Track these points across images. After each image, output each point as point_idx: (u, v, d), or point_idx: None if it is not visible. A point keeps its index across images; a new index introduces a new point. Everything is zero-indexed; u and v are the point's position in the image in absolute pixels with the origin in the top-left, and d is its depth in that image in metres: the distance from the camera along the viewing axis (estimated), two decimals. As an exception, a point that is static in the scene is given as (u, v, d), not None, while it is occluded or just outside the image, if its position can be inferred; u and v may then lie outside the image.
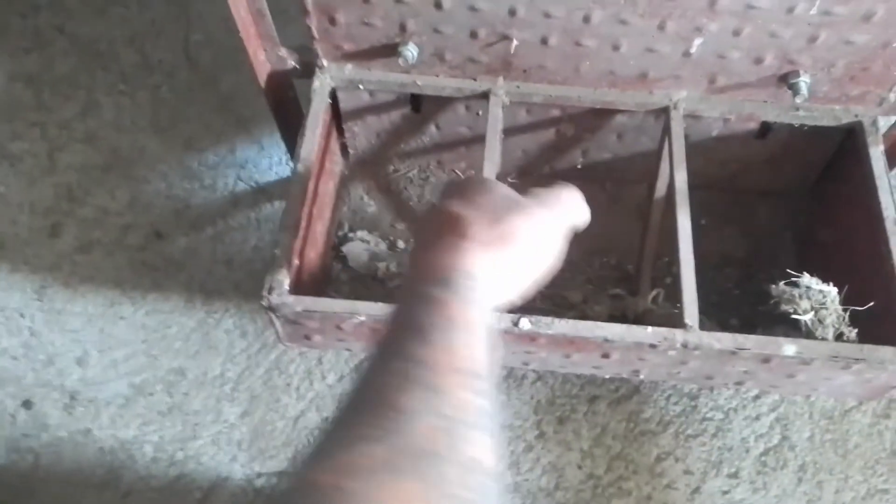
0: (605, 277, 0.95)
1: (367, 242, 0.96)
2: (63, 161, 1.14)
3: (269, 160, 1.13)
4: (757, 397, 0.97)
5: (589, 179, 0.97)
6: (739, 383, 0.76)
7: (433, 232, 0.47)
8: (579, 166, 0.97)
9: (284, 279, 0.71)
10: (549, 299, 0.90)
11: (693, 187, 0.78)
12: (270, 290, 0.70)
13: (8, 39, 1.24)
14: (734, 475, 0.95)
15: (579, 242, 0.98)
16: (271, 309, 0.71)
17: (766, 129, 0.86)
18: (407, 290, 0.46)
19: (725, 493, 0.94)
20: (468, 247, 0.45)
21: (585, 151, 0.94)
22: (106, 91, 1.19)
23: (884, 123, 0.85)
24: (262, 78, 0.85)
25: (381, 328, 0.44)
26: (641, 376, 0.77)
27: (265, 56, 0.83)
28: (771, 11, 0.70)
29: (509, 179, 1.00)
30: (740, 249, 0.97)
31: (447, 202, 0.49)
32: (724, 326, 0.88)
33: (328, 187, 0.93)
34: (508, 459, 0.95)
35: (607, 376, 0.83)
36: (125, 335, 1.03)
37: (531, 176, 0.99)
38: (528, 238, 0.48)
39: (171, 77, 1.20)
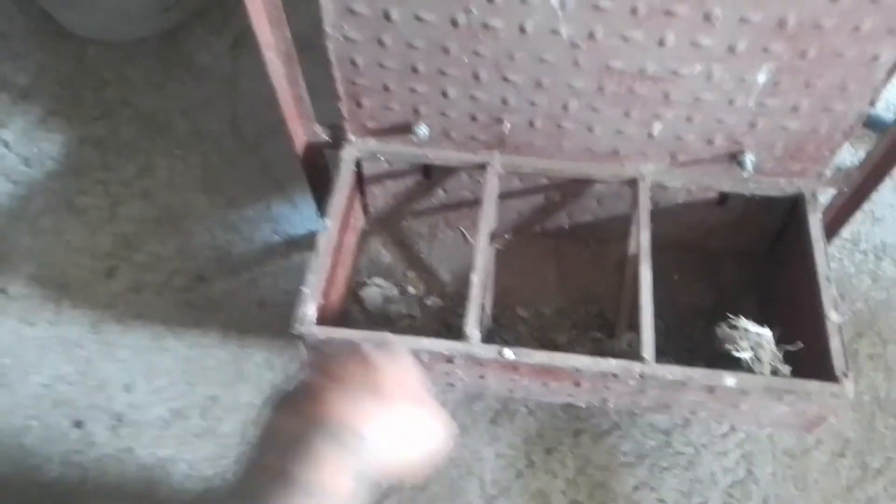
0: (588, 323, 1.08)
1: (382, 287, 1.11)
2: (122, 214, 1.32)
3: (300, 216, 1.29)
4: (725, 435, 1.09)
5: (574, 238, 1.12)
6: (693, 412, 0.89)
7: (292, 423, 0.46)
8: (566, 227, 1.12)
9: (312, 312, 0.87)
10: (538, 340, 1.04)
11: (666, 247, 0.92)
12: (300, 321, 0.85)
13: (80, 109, 1.43)
14: (704, 505, 1.06)
15: (567, 293, 1.12)
16: (300, 336, 0.85)
17: (724, 197, 1.01)
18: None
19: (695, 521, 1.05)
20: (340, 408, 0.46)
21: (570, 214, 1.10)
22: (162, 155, 1.38)
23: (824, 196, 0.99)
24: (300, 148, 1.02)
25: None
26: (610, 404, 0.90)
27: (302, 131, 1.00)
28: (715, 103, 0.85)
29: (506, 237, 1.15)
30: (707, 302, 1.11)
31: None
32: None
33: (350, 240, 1.09)
34: (501, 485, 1.07)
35: (581, 404, 0.96)
36: (168, 365, 1.18)
37: (524, 234, 1.14)
38: (403, 398, 0.50)
39: (219, 144, 1.38)
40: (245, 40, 1.46)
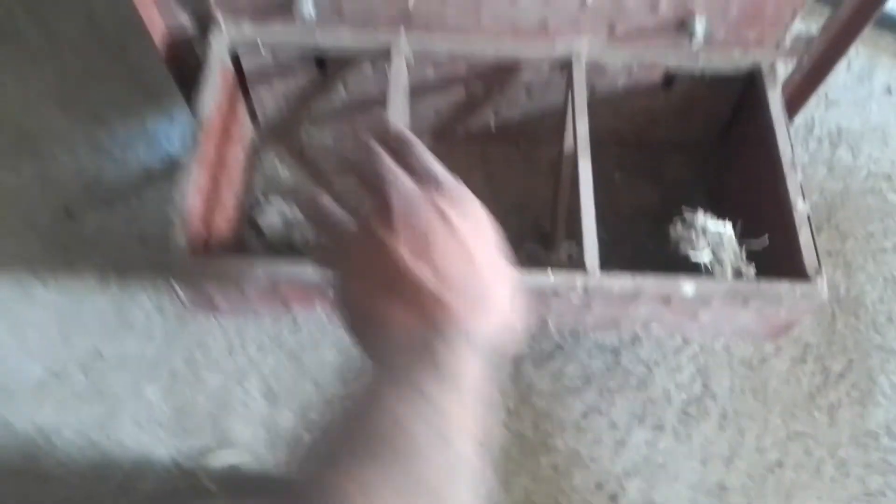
0: (522, 234, 0.95)
1: (281, 209, 0.94)
2: (-34, 140, 1.10)
3: (181, 130, 1.10)
4: (678, 350, 0.98)
5: (503, 141, 0.97)
6: (646, 328, 0.77)
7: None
8: (493, 127, 0.97)
9: (181, 241, 0.69)
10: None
11: (605, 143, 0.78)
12: (172, 258, 0.68)
13: None
14: (658, 426, 0.96)
15: (498, 202, 0.97)
16: (168, 271, 0.69)
17: (670, 79, 0.86)
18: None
19: (650, 443, 0.95)
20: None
21: (497, 111, 0.94)
22: (9, 68, 1.15)
23: (783, 69, 0.86)
24: (159, 39, 0.82)
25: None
26: (551, 325, 0.77)
27: (160, 16, 0.80)
28: (660, -47, 0.70)
29: (424, 138, 0.99)
30: (654, 201, 0.98)
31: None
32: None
33: (236, 153, 0.90)
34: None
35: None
36: (39, 318, 1.00)
37: (446, 137, 0.98)
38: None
39: (76, 50, 1.16)
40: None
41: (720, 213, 0.76)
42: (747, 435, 0.96)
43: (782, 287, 0.68)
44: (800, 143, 1.14)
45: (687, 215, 0.71)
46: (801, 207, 0.72)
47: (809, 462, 0.95)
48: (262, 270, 0.69)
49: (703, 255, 0.68)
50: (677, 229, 0.71)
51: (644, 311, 0.72)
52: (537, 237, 0.95)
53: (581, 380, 0.97)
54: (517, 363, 0.96)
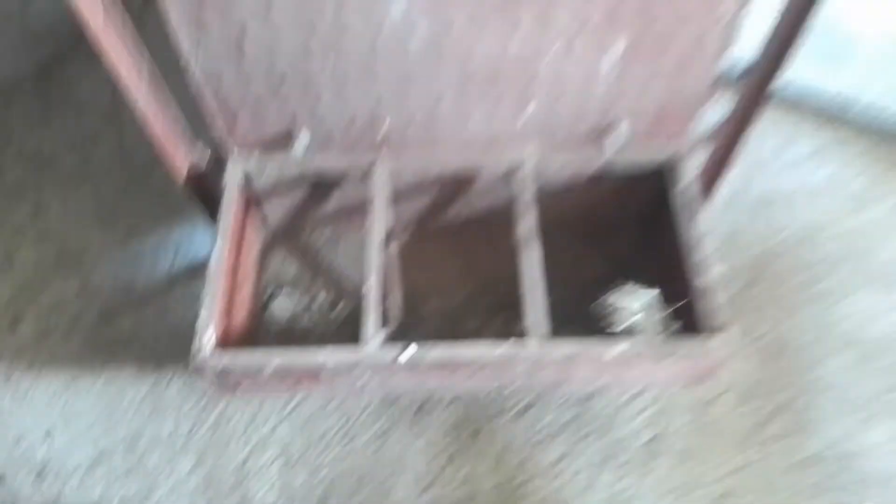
0: (496, 306, 1.11)
1: (290, 299, 1.11)
2: (19, 260, 1.28)
3: (202, 239, 1.28)
4: (636, 396, 1.14)
5: (473, 227, 1.15)
6: (592, 383, 0.93)
7: None
8: (463, 218, 1.15)
9: (209, 339, 0.87)
10: (449, 331, 1.06)
11: (558, 226, 0.95)
12: (197, 350, 0.85)
13: (-40, 157, 1.39)
14: (622, 466, 1.10)
15: (473, 280, 1.14)
16: (198, 368, 0.85)
17: (602, 173, 1.05)
18: None
19: (615, 482, 1.09)
20: None
21: (465, 205, 1.12)
22: (52, 193, 1.35)
23: (696, 158, 1.04)
24: (182, 170, 1.01)
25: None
26: (514, 385, 0.93)
27: (183, 152, 0.99)
28: (581, 77, 0.88)
29: (407, 234, 1.17)
30: (599, 274, 1.14)
31: None
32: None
33: (250, 258, 1.08)
34: (433, 474, 1.09)
35: (488, 390, 0.99)
36: (86, 407, 1.16)
37: (423, 232, 1.16)
38: None
39: (110, 176, 1.36)
40: (126, 67, 1.43)
41: (660, 279, 0.93)
42: (700, 469, 1.10)
43: (694, 343, 0.84)
44: (738, 206, 1.31)
45: (619, 287, 0.87)
46: (712, 275, 0.89)
47: (757, 488, 1.08)
48: (278, 359, 0.86)
49: (632, 321, 0.84)
50: (610, 300, 0.87)
51: (588, 368, 0.88)
52: (510, 306, 1.12)
53: (554, 429, 1.12)
54: (497, 419, 1.12)
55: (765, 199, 1.32)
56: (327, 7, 0.79)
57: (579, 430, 1.12)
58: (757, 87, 0.88)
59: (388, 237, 1.06)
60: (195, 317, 1.19)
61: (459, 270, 1.15)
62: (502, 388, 0.95)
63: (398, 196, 1.07)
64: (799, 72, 1.35)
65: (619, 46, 0.85)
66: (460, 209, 1.14)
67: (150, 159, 1.35)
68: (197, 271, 1.26)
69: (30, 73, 1.43)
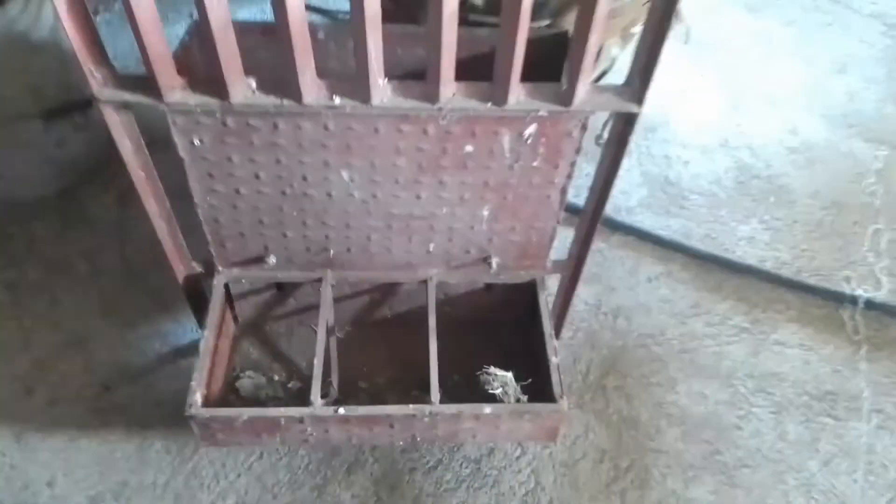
0: (411, 385, 1.48)
1: (252, 378, 1.47)
2: (35, 341, 1.61)
3: (183, 330, 1.64)
4: (518, 457, 1.51)
5: (397, 324, 1.54)
6: (474, 436, 1.30)
7: None
8: (389, 316, 1.54)
9: (199, 399, 1.22)
10: (374, 404, 1.43)
11: (461, 323, 1.35)
12: (190, 406, 1.21)
13: (-10, 259, 1.73)
14: (505, 511, 1.46)
15: (395, 365, 1.51)
16: (191, 417, 1.20)
17: (488, 287, 1.46)
18: None
19: (500, 523, 1.44)
20: None
21: (391, 307, 1.52)
22: (66, 291, 1.69)
23: (553, 279, 1.47)
24: (181, 279, 1.39)
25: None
26: (419, 438, 1.29)
27: (183, 267, 1.37)
28: (463, 229, 1.31)
29: (346, 328, 1.55)
30: (490, 357, 1.54)
31: None
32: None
33: (225, 344, 1.45)
34: (357, 518, 1.43)
35: (401, 443, 1.35)
36: (83, 461, 1.47)
37: (360, 326, 1.55)
38: None
39: (113, 278, 1.71)
40: (128, 194, 1.81)
41: (527, 364, 1.32)
42: (566, 515, 1.47)
43: (539, 406, 1.23)
44: (592, 316, 1.74)
45: (490, 369, 1.27)
46: (553, 361, 1.29)
47: (603, 528, 1.45)
48: (246, 414, 1.21)
49: (496, 391, 1.23)
50: (482, 376, 1.27)
51: (468, 424, 1.26)
52: (421, 386, 1.50)
53: (455, 482, 1.48)
54: (411, 474, 1.47)
55: (615, 311, 1.76)
56: (295, 179, 1.20)
57: (475, 483, 1.48)
58: (586, 231, 1.31)
59: (331, 330, 1.44)
60: (176, 391, 1.55)
61: (386, 358, 1.53)
62: (410, 441, 1.31)
63: (340, 299, 1.46)
64: (643, 218, 1.84)
65: (485, 212, 1.28)
66: (387, 310, 1.53)
67: (145, 267, 1.73)
68: (178, 355, 1.61)
69: (54, 194, 1.81)
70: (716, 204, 1.93)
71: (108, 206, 1.82)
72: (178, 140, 1.14)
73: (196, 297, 1.44)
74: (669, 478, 1.51)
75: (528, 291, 1.46)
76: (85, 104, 1.68)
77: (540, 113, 1.09)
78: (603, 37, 1.10)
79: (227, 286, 1.41)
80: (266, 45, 1.18)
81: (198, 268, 1.39)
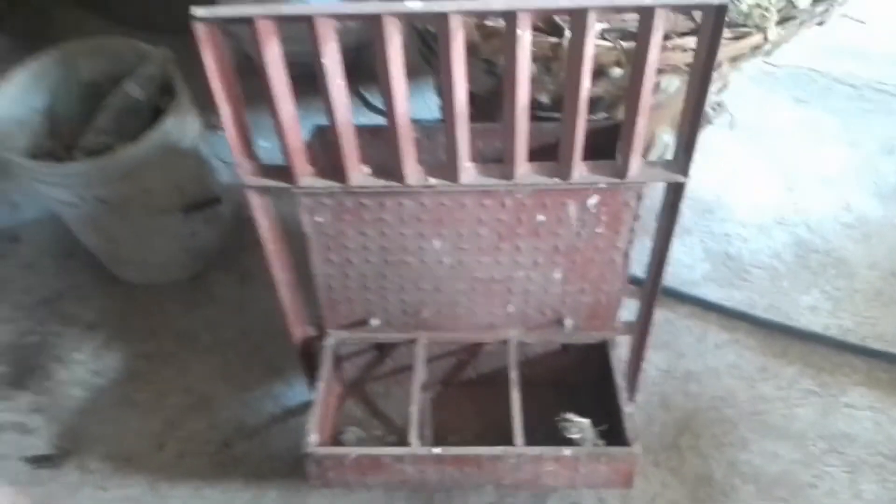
0: (495, 439, 1.63)
1: (355, 433, 1.66)
2: (167, 403, 1.86)
3: (293, 392, 1.86)
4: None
5: (482, 384, 1.71)
6: (555, 480, 1.43)
7: None
8: (474, 377, 1.72)
9: (315, 441, 1.42)
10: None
11: (540, 383, 1.53)
12: (307, 444, 1.40)
13: (133, 334, 2.02)
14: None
15: (482, 421, 1.67)
16: (307, 455, 1.40)
17: (564, 348, 1.63)
18: None
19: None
20: None
21: (475, 367, 1.70)
22: (194, 359, 1.95)
23: (621, 339, 1.62)
24: (298, 342, 1.62)
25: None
26: (505, 482, 1.44)
27: (300, 331, 1.61)
28: (537, 291, 1.50)
29: (436, 388, 1.74)
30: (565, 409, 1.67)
31: None
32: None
33: (332, 402, 1.65)
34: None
35: (488, 485, 1.49)
36: (207, 508, 1.67)
37: (448, 385, 1.73)
38: None
39: (234, 348, 1.97)
40: (248, 276, 2.11)
41: (601, 414, 1.47)
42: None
43: (615, 449, 1.37)
44: (666, 381, 1.85)
45: (568, 415, 1.42)
46: (627, 410, 1.44)
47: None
48: (355, 452, 1.40)
49: (575, 436, 1.38)
50: (561, 423, 1.42)
51: (548, 467, 1.40)
52: (504, 440, 1.64)
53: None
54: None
55: (685, 376, 1.87)
56: (396, 249, 1.44)
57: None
58: (649, 293, 1.48)
59: (424, 388, 1.63)
60: (287, 448, 1.75)
61: (472, 413, 1.69)
62: (497, 484, 1.45)
63: (430, 360, 1.65)
64: (707, 291, 1.98)
65: (557, 275, 1.48)
66: (472, 371, 1.71)
67: (260, 338, 1.98)
68: (288, 415, 1.82)
69: (186, 278, 2.12)
70: (777, 276, 2.06)
71: (231, 287, 2.10)
72: (304, 218, 1.40)
73: (308, 358, 1.66)
74: (745, 534, 1.58)
75: (601, 352, 1.62)
76: (215, 201, 2.00)
77: (600, 185, 1.30)
78: (651, 123, 1.32)
79: (335, 347, 1.64)
80: (371, 143, 1.45)
81: (311, 331, 1.63)
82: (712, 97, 1.82)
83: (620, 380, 1.51)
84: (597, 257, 1.45)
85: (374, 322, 1.58)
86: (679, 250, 2.10)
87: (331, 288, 1.52)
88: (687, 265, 2.08)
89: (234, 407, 1.85)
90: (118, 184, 1.76)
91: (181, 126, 1.84)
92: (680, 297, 2.00)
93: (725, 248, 2.13)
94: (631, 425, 1.42)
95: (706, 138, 2.35)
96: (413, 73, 1.23)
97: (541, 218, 1.38)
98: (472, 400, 1.72)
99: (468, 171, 1.29)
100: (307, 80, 1.19)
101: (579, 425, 1.42)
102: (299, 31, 1.11)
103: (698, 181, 2.26)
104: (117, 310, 2.08)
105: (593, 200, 1.35)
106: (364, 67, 1.14)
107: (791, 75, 2.68)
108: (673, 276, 2.02)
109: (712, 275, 2.07)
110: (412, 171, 1.29)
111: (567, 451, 1.39)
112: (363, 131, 1.40)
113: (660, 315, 1.94)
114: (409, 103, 1.22)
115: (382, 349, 1.68)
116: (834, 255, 2.10)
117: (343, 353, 1.67)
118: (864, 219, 2.19)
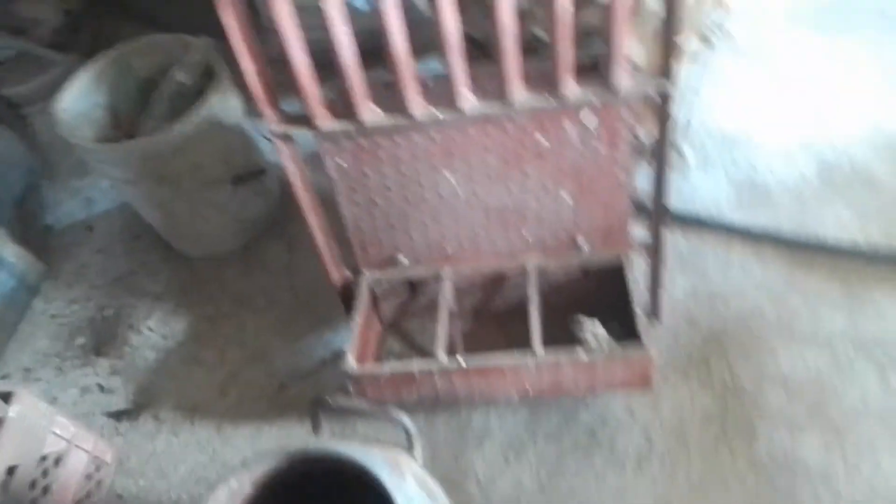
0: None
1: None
2: (228, 358, 2.04)
3: (340, 339, 2.01)
4: (630, 424, 1.69)
5: (508, 315, 1.82)
6: (577, 386, 1.53)
7: None
8: (502, 309, 1.83)
9: (352, 359, 1.56)
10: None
11: (562, 308, 1.63)
12: (345, 364, 1.54)
13: (195, 300, 2.22)
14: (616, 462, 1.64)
15: (510, 344, 1.77)
16: (346, 374, 1.54)
17: (584, 273, 1.72)
18: None
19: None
20: None
21: (502, 298, 1.81)
22: (250, 318, 2.13)
23: (637, 258, 1.70)
24: (337, 285, 1.77)
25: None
26: (529, 389, 1.54)
27: (338, 275, 1.76)
28: (551, 215, 1.60)
29: (467, 320, 1.85)
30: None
31: None
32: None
33: (373, 337, 1.79)
34: (493, 472, 1.66)
35: (515, 396, 1.59)
36: (268, 444, 1.83)
37: (475, 316, 1.84)
38: None
39: (286, 306, 2.14)
40: (296, 243, 2.28)
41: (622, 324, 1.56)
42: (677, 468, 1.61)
43: (629, 349, 1.45)
44: (690, 301, 1.90)
45: (579, 317, 1.52)
46: (639, 314, 1.52)
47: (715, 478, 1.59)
48: (388, 368, 1.53)
49: (587, 336, 1.47)
50: (573, 325, 1.51)
51: (568, 373, 1.50)
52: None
53: (573, 447, 1.68)
54: (533, 440, 1.69)
55: (711, 296, 1.90)
56: (412, 185, 1.57)
57: (590, 448, 1.67)
58: (656, 209, 1.56)
59: (454, 318, 1.75)
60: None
61: (501, 340, 1.79)
62: (523, 392, 1.56)
63: (459, 293, 1.77)
64: (733, 217, 2.03)
65: (566, 196, 1.57)
66: (502, 301, 1.82)
67: (308, 296, 2.14)
68: (337, 357, 1.97)
69: (238, 248, 2.31)
70: (802, 198, 2.08)
71: (280, 253, 2.27)
72: (328, 162, 1.55)
73: (348, 299, 1.81)
74: (776, 433, 1.63)
75: (618, 274, 1.69)
76: (260, 173, 2.18)
77: (592, 102, 1.39)
78: (640, 39, 1.40)
79: (370, 286, 1.77)
80: (383, 95, 1.58)
81: (348, 273, 1.77)
82: (710, 18, 1.87)
83: (635, 293, 1.59)
84: (601, 176, 1.54)
85: (403, 260, 1.71)
86: (702, 181, 2.16)
87: (360, 229, 1.66)
88: (711, 195, 2.12)
89: (287, 355, 2.01)
90: (171, 159, 1.96)
91: (224, 104, 2.02)
92: (703, 224, 2.05)
93: (751, 176, 2.17)
94: (644, 327, 1.50)
95: (729, 71, 2.40)
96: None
97: (542, 141, 1.48)
98: (500, 330, 1.83)
99: (468, 100, 1.41)
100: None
101: (591, 326, 1.51)
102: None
103: (721, 113, 2.32)
104: (181, 281, 2.29)
105: (589, 118, 1.44)
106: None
107: (817, 9, 2.68)
108: (697, 206, 2.08)
109: (737, 202, 2.11)
110: (417, 105, 1.42)
111: (584, 356, 1.48)
112: (375, 84, 1.52)
113: (683, 242, 2.02)
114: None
115: (415, 288, 1.81)
116: (861, 175, 2.11)
117: (379, 292, 1.81)
118: (892, 137, 2.18)
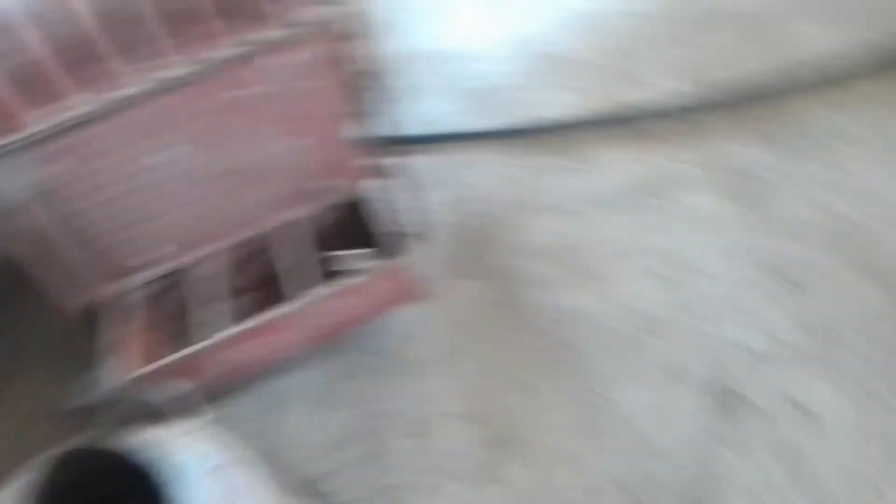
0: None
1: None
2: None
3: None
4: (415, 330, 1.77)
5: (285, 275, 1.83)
6: (357, 311, 1.58)
7: None
8: (280, 272, 1.84)
9: (121, 370, 1.50)
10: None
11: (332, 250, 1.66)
12: (113, 377, 1.48)
13: None
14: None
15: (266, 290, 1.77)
16: (119, 384, 1.48)
17: (334, 210, 1.76)
18: None
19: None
20: None
21: (276, 262, 1.81)
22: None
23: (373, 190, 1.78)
24: (78, 311, 1.67)
25: None
26: (310, 336, 1.57)
27: (79, 300, 1.66)
28: (283, 169, 1.62)
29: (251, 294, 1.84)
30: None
31: None
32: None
33: (161, 338, 1.73)
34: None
35: (304, 342, 1.62)
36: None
37: (264, 284, 1.84)
38: None
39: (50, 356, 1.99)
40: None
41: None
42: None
43: (383, 263, 1.53)
44: (446, 212, 2.03)
45: (338, 255, 1.57)
46: (382, 231, 1.59)
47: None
48: (171, 360, 1.49)
49: (345, 269, 1.53)
50: (335, 263, 1.56)
51: (341, 303, 1.55)
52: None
53: (378, 357, 1.73)
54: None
55: (465, 202, 2.05)
56: (134, 172, 1.51)
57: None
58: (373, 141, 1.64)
59: (236, 295, 1.71)
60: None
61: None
62: (307, 339, 1.58)
63: (231, 269, 1.73)
64: (466, 122, 2.17)
65: (290, 139, 1.60)
66: (270, 265, 1.81)
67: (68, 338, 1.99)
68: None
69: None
70: (520, 89, 2.28)
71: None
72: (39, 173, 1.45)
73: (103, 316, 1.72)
74: (549, 296, 1.80)
75: (364, 204, 1.74)
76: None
77: (272, 40, 1.42)
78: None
79: (140, 292, 1.69)
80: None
81: (109, 286, 1.68)
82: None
83: (383, 215, 1.66)
84: (317, 116, 1.58)
85: (159, 253, 1.66)
86: (423, 103, 2.28)
87: (102, 235, 1.58)
88: (445, 110, 2.26)
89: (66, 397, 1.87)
90: None
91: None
92: (444, 139, 2.18)
93: (468, 84, 2.33)
94: (389, 242, 1.58)
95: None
96: None
97: (240, 93, 1.49)
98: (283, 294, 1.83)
99: (124, 75, 1.38)
100: None
101: (348, 257, 1.57)
102: None
103: (435, 40, 2.46)
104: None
105: (290, 56, 1.47)
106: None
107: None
108: (424, 126, 2.20)
109: (460, 112, 2.26)
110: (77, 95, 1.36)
111: (341, 283, 1.53)
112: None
113: (431, 160, 2.14)
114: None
115: (187, 279, 1.75)
116: (568, 56, 2.35)
117: (151, 292, 1.73)
118: (582, 14, 2.45)
